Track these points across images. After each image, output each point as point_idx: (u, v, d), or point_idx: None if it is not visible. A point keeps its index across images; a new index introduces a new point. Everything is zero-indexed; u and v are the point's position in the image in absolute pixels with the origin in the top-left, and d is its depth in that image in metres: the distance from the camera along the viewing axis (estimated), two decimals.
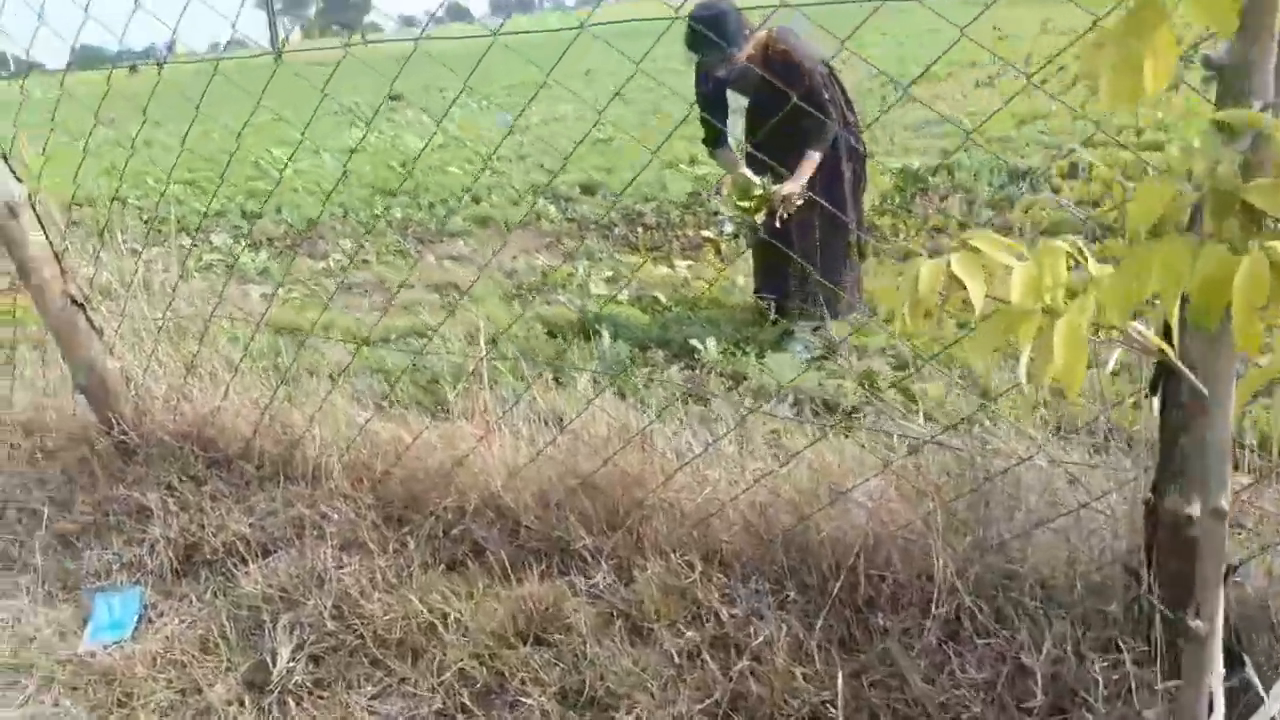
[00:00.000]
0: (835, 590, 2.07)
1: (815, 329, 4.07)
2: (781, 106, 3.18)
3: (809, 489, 2.18)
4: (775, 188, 3.69)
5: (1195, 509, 1.62)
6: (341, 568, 2.48)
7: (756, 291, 4.39)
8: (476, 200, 7.63)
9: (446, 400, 2.93)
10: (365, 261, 6.43)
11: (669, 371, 3.88)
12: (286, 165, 8.57)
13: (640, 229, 6.37)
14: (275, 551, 2.61)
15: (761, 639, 2.03)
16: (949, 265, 1.35)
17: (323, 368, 3.49)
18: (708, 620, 2.13)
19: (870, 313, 4.19)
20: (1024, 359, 1.36)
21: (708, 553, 2.25)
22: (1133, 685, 1.74)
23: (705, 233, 6.04)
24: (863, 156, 3.99)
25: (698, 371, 3.90)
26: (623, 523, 2.35)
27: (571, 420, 2.40)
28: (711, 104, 3.90)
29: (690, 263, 5.42)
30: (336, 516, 2.62)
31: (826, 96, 3.74)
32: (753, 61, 3.70)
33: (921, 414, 2.71)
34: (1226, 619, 1.74)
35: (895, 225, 5.73)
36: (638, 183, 7.19)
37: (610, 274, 5.50)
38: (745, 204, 3.75)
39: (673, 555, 2.22)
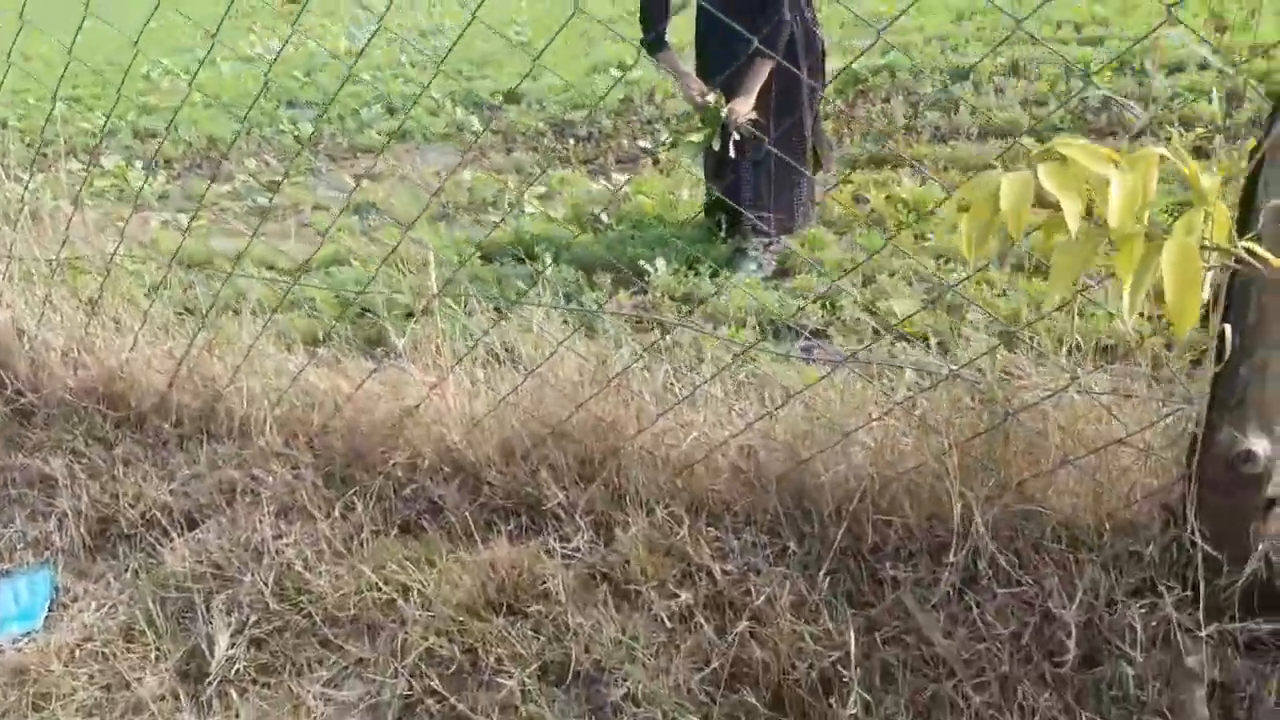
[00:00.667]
0: (838, 539, 1.89)
1: (768, 245, 3.84)
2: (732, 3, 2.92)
3: (804, 430, 1.98)
4: (726, 106, 3.40)
5: (1261, 443, 1.47)
6: (280, 537, 2.22)
7: (707, 207, 4.13)
8: (391, 111, 7.14)
9: (387, 340, 2.64)
10: (274, 182, 5.96)
11: (617, 297, 3.63)
12: (186, 75, 7.90)
13: (571, 140, 6.01)
14: (203, 521, 2.33)
15: (763, 597, 1.84)
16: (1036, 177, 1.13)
17: (242, 308, 3.14)
18: (700, 579, 1.94)
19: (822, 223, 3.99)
20: (1126, 291, 1.16)
21: (694, 504, 2.05)
22: (1173, 631, 1.61)
23: (641, 143, 5.72)
24: (822, 53, 3.69)
25: (649, 296, 3.66)
26: (598, 474, 2.13)
27: (539, 363, 2.15)
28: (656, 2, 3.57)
29: (628, 176, 5.11)
30: (271, 479, 2.35)
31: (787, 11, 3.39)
32: None
33: (934, 345, 2.53)
34: (1268, 558, 1.62)
35: (837, 130, 5.50)
36: (565, 89, 6.79)
37: (544, 190, 5.17)
38: (703, 131, 3.45)
39: (657, 508, 2.02)
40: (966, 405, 1.84)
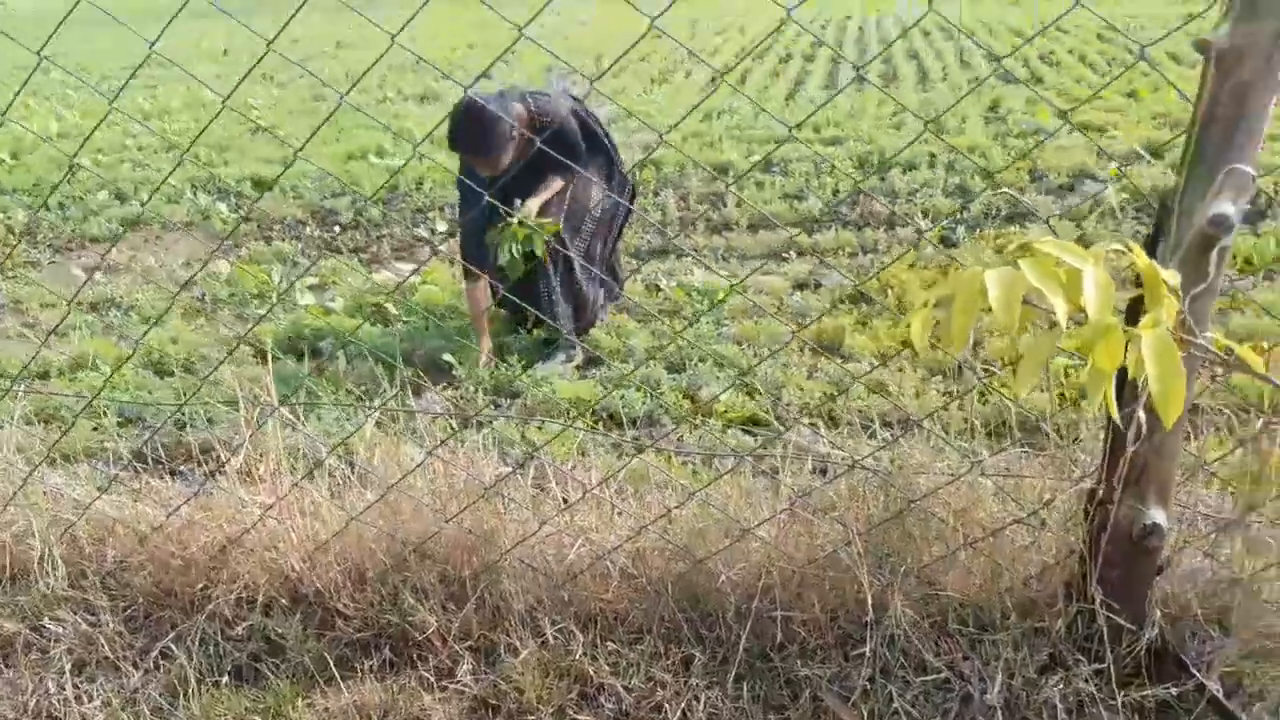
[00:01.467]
0: (743, 641, 1.81)
1: (572, 334, 3.78)
2: (539, 161, 3.17)
3: (698, 528, 1.90)
4: (521, 210, 3.43)
5: (1157, 515, 1.55)
6: (83, 698, 1.82)
7: (503, 301, 4.00)
8: (120, 198, 6.48)
9: (162, 457, 2.29)
10: None
11: (428, 395, 3.41)
12: None
13: (337, 228, 5.70)
14: None
15: (677, 713, 1.72)
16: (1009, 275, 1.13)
17: None
18: (602, 699, 1.78)
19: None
20: (1097, 386, 1.17)
21: (583, 617, 1.89)
22: (1088, 704, 1.65)
23: (418, 231, 5.52)
24: (632, 187, 3.91)
25: (462, 391, 3.47)
26: (470, 594, 1.92)
27: (398, 477, 1.92)
28: (473, 206, 3.60)
29: (412, 265, 4.90)
30: (60, 629, 1.94)
31: (582, 142, 3.63)
32: (521, 142, 3.35)
33: (825, 436, 2.52)
34: (1163, 624, 1.70)
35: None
36: (323, 176, 6.47)
37: (315, 281, 4.83)
38: (522, 255, 3.46)
39: (545, 626, 1.84)
40: (863, 493, 1.84)
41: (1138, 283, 1.31)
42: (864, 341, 3.64)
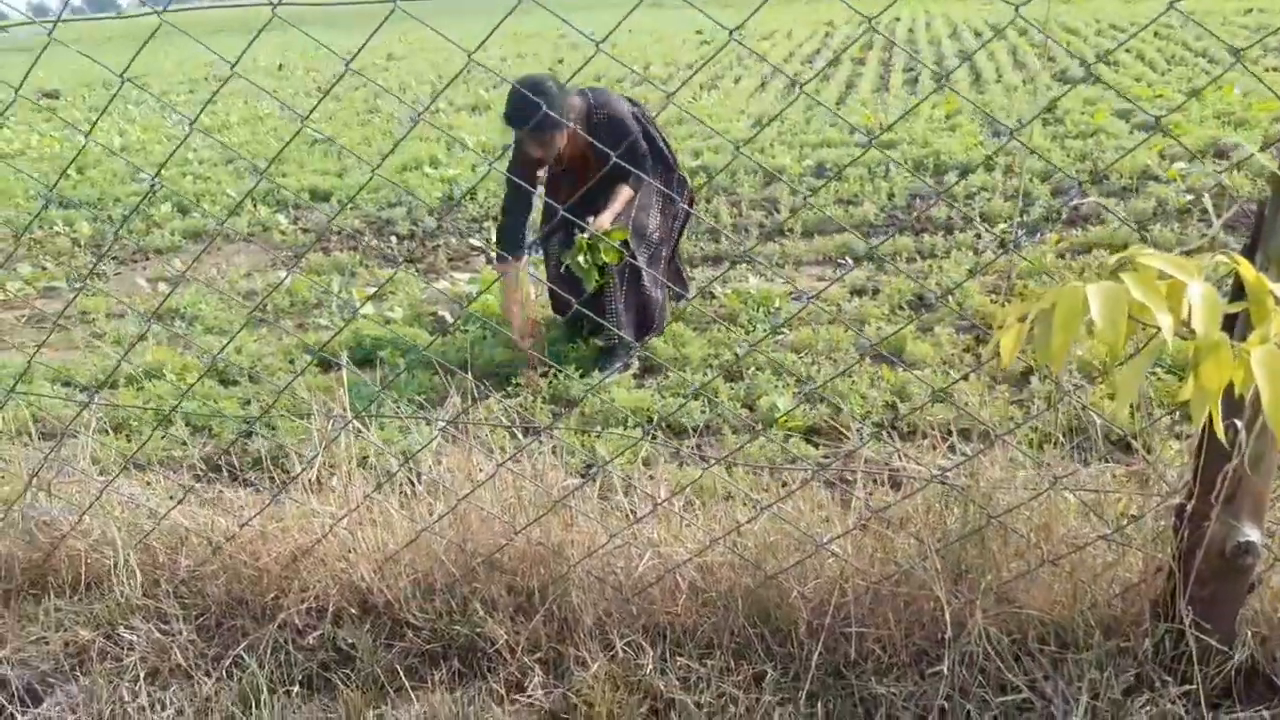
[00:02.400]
0: (815, 658, 1.78)
1: (632, 347, 3.77)
2: (604, 165, 3.16)
3: (769, 542, 1.87)
4: (593, 223, 3.47)
5: (1251, 533, 1.49)
6: (157, 705, 1.85)
7: (560, 308, 4.02)
8: (183, 211, 6.61)
9: (234, 466, 2.31)
10: (51, 289, 5.32)
11: (488, 402, 3.42)
12: None
13: (394, 238, 5.76)
14: (50, 693, 1.91)
15: None
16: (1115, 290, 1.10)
17: (67, 433, 2.69)
18: (674, 715, 1.76)
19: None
20: (1202, 405, 1.13)
21: (651, 630, 1.88)
22: None
23: (473, 240, 5.56)
24: (690, 190, 3.94)
25: (521, 399, 3.48)
26: (539, 606, 1.92)
27: (472, 489, 1.92)
28: (519, 199, 3.57)
29: (469, 275, 4.93)
30: (135, 636, 1.97)
31: (645, 144, 3.67)
32: (576, 133, 3.39)
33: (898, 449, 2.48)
34: (1255, 643, 1.65)
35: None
36: (379, 188, 6.56)
37: (373, 291, 4.88)
38: (594, 266, 3.49)
39: (615, 639, 1.83)
40: (938, 508, 1.80)
41: (1236, 293, 1.27)
42: (925, 349, 3.58)
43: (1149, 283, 1.08)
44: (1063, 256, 4.57)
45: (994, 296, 4.15)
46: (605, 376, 3.59)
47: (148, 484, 2.31)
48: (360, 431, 2.23)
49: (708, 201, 5.99)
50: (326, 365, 3.98)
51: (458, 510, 1.94)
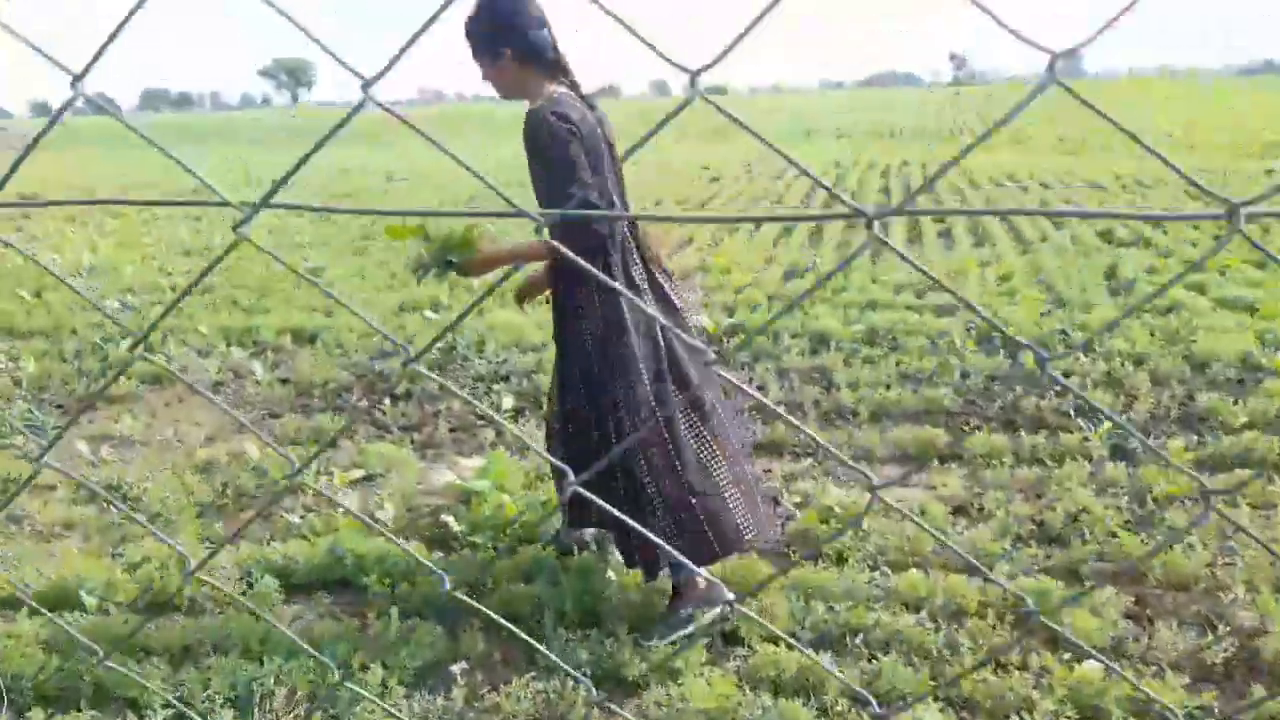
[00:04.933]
0: None
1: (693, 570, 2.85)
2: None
3: None
4: None
5: None
6: None
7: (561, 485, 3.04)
8: (147, 349, 5.78)
9: None
10: None
11: (527, 686, 2.53)
12: None
13: (388, 400, 4.92)
14: None
15: None
16: None
17: None
18: None
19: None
20: None
21: None
22: None
23: (481, 405, 4.72)
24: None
25: (554, 683, 2.57)
26: None
27: None
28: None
29: (477, 461, 4.07)
30: None
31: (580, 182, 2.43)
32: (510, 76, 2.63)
33: None
34: None
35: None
36: (372, 334, 5.76)
37: (361, 474, 4.03)
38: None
39: None
40: None
41: None
42: (1086, 620, 2.73)
43: None
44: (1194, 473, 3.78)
45: (1128, 524, 3.34)
46: (663, 640, 2.70)
47: None
48: None
49: (746, 368, 5.20)
50: (292, 588, 3.09)
51: None
